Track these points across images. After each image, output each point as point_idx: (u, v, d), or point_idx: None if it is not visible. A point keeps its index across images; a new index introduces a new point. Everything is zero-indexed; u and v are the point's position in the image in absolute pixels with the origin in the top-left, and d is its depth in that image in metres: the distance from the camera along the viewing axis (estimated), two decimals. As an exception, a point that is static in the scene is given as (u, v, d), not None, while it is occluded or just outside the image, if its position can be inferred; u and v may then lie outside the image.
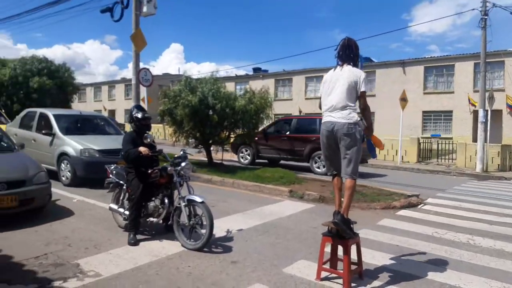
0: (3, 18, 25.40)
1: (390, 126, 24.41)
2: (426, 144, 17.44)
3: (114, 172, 5.40)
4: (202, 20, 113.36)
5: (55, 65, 20.48)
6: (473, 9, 13.84)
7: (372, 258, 4.54)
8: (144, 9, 13.33)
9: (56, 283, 3.59)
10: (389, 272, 4.13)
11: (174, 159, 4.88)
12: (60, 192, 7.69)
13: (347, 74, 3.73)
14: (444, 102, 25.89)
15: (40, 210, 5.95)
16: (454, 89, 25.46)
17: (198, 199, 4.57)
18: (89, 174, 8.05)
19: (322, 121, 3.86)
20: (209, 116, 9.43)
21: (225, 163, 11.65)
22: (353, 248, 3.91)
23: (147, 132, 5.09)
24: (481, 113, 13.82)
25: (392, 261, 4.46)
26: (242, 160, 13.25)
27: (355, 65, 3.84)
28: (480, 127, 13.77)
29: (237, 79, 37.31)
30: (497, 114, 23.75)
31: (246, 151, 13.17)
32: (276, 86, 34.49)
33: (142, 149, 4.75)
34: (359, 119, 3.74)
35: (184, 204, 4.63)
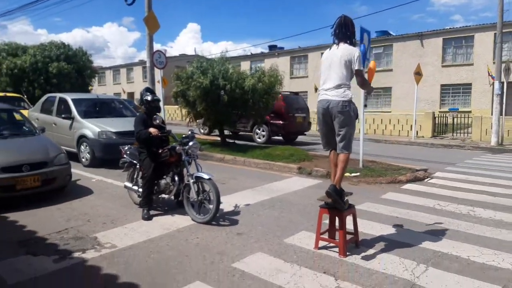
0: (22, 5, 25.95)
1: (407, 101, 24.15)
2: (442, 118, 17.28)
3: (128, 152, 5.73)
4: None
5: (72, 50, 21.00)
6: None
7: (371, 228, 4.78)
8: (156, -9, 13.47)
9: (76, 254, 3.97)
10: (385, 241, 4.36)
11: (182, 138, 5.17)
12: (80, 173, 8.14)
13: (342, 52, 3.86)
14: (463, 75, 25.35)
15: (61, 189, 6.37)
16: (473, 61, 24.86)
17: (206, 176, 4.86)
18: (106, 155, 8.45)
19: (318, 99, 4.03)
20: (220, 96, 9.65)
21: (238, 142, 11.93)
22: (350, 219, 4.16)
23: (157, 114, 5.38)
24: (496, 85, 13.58)
25: (390, 232, 4.68)
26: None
27: (351, 43, 3.95)
28: (495, 99, 13.56)
29: (252, 57, 37.23)
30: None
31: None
32: (292, 64, 34.31)
33: (152, 130, 5.04)
34: (352, 96, 3.89)
35: (192, 181, 4.94)
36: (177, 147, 5.03)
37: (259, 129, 13.48)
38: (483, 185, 7.27)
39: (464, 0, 75.02)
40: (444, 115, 17.76)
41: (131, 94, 46.12)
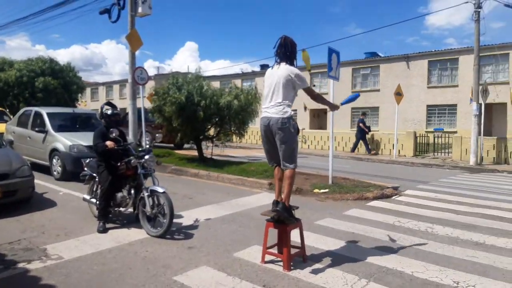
0: (20, 18, 26.16)
1: (394, 120, 24.33)
2: (424, 138, 17.45)
3: (89, 165, 5.74)
4: (215, 18, 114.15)
5: (59, 65, 21.11)
6: (467, 2, 13.78)
7: (324, 244, 4.78)
8: (139, 9, 13.70)
9: (20, 265, 3.94)
10: (334, 256, 4.36)
11: (139, 152, 5.19)
12: (50, 186, 8.12)
13: (281, 72, 3.94)
14: (448, 96, 25.72)
15: (26, 201, 6.36)
16: (458, 83, 25.25)
17: (160, 190, 4.87)
18: (77, 168, 8.33)
19: (261, 116, 4.10)
20: (196, 112, 9.72)
21: (217, 158, 11.95)
22: (297, 233, 4.17)
23: (117, 127, 5.41)
24: (474, 106, 13.79)
25: (341, 247, 4.69)
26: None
27: (291, 63, 4.03)
28: (474, 120, 13.74)
29: (243, 76, 37.56)
30: (501, 107, 23.56)
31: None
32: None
33: (108, 143, 5.07)
34: (292, 113, 3.96)
35: (147, 194, 4.94)
36: (133, 160, 5.05)
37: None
38: (449, 203, 7.32)
39: (457, 23, 76.81)
40: (426, 135, 17.92)
41: (123, 110, 46.21)
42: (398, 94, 15.86)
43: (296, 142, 4.01)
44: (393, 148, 16.22)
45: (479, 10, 13.54)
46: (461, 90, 24.86)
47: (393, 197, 7.73)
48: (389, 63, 28.31)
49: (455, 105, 25.48)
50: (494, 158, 14.53)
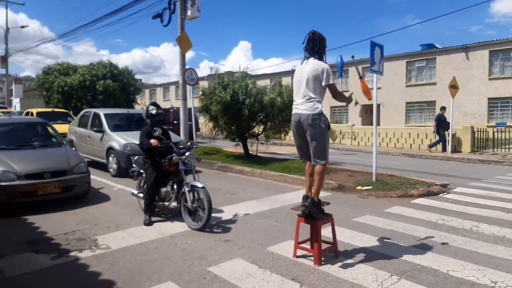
0: (82, 25, 28.24)
1: (453, 115, 23.10)
2: (482, 133, 16.41)
3: (136, 162, 6.15)
4: (268, 16, 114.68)
5: (118, 69, 22.37)
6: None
7: (359, 240, 4.78)
8: (188, 12, 14.28)
9: (72, 253, 4.35)
10: (368, 252, 4.36)
11: (180, 149, 5.48)
12: (106, 182, 8.73)
13: (310, 67, 3.97)
14: (511, 88, 23.99)
15: (83, 196, 6.92)
16: (523, 73, 23.47)
17: (199, 185, 5.12)
18: (130, 165, 8.96)
19: (292, 113, 4.17)
20: (241, 111, 9.96)
21: (262, 155, 12.13)
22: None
23: (161, 126, 5.75)
24: (537, 98, 12.80)
25: (376, 244, 4.66)
26: None
27: (320, 58, 4.04)
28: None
29: (293, 73, 37.51)
30: None
31: None
32: (333, 77, 34.07)
33: (152, 141, 5.40)
34: (323, 109, 3.99)
35: (187, 189, 5.22)
36: (174, 157, 5.34)
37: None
38: (501, 201, 6.93)
39: (526, 9, 71.07)
40: (485, 129, 16.83)
41: (177, 110, 47.91)
42: (453, 87, 15.07)
43: (327, 138, 4.05)
44: (448, 144, 15.46)
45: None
46: (527, 81, 23.09)
47: (440, 195, 7.45)
48: (447, 54, 26.88)
49: (520, 97, 23.71)
50: (562, 153, 13.39)
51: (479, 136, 16.32)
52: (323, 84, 3.94)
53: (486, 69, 24.98)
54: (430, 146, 16.40)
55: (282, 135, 11.48)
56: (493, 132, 16.40)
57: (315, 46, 4.04)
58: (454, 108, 15.45)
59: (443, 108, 16.39)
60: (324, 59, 4.09)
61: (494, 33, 77.38)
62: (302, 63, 4.11)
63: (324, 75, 3.92)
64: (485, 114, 25.14)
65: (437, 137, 16.16)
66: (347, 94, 4.35)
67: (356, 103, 31.11)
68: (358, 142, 20.58)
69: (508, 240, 4.82)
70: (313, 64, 3.98)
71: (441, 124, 15.69)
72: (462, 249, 4.49)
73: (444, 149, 15.73)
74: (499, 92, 24.58)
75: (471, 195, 7.49)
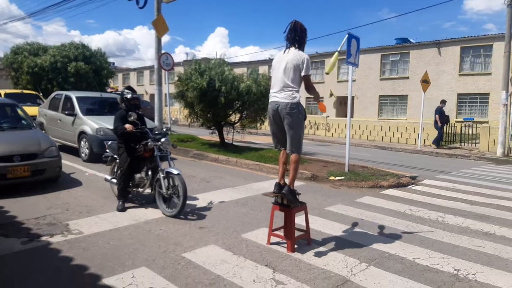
0: (54, 4, 27.18)
1: (424, 109, 23.72)
2: (450, 127, 17.01)
3: (110, 147, 6.05)
4: (245, 3, 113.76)
5: (90, 50, 21.76)
6: (500, -13, 13.21)
7: (331, 229, 4.91)
8: (165, -5, 13.98)
9: (44, 238, 4.28)
10: (339, 240, 4.49)
11: (155, 135, 5.44)
12: (77, 167, 8.56)
13: (291, 57, 4.00)
14: (480, 85, 24.86)
15: (54, 180, 6.77)
16: (491, 71, 24.33)
17: (175, 171, 5.10)
18: (103, 150, 8.76)
19: (270, 100, 4.20)
20: (217, 98, 9.92)
21: (238, 144, 12.16)
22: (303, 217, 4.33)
23: (136, 111, 5.66)
24: (503, 95, 13.34)
25: (347, 232, 4.80)
26: None
27: (300, 47, 4.08)
28: (502, 110, 13.33)
29: (270, 62, 37.50)
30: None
31: None
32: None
33: (127, 126, 5.33)
34: (300, 98, 4.04)
35: (162, 175, 5.20)
36: (149, 143, 5.30)
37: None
38: (466, 194, 7.24)
39: (497, 8, 73.39)
40: (453, 124, 17.45)
41: (152, 95, 47.15)
42: (425, 81, 15.50)
43: (303, 128, 4.12)
44: (418, 138, 15.94)
45: (513, -6, 12.94)
46: (494, 78, 23.95)
47: (409, 186, 7.72)
48: (420, 49, 27.52)
49: (487, 94, 24.62)
50: (524, 149, 14.06)
51: (447, 131, 16.89)
52: (302, 74, 3.97)
53: (457, 65, 25.76)
54: (434, 142, 15.68)
55: (258, 124, 11.53)
56: (461, 127, 17.02)
57: (296, 36, 4.06)
58: (425, 102, 15.92)
59: (443, 102, 15.97)
60: (304, 49, 4.13)
61: (466, 29, 79.67)
62: (284, 52, 4.12)
63: (305, 65, 3.96)
64: (454, 109, 25.96)
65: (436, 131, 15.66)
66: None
67: (331, 94, 31.51)
68: (332, 134, 20.91)
69: (472, 231, 5.06)
70: (294, 54, 4.01)
71: (441, 118, 15.31)
72: (428, 239, 4.68)
73: (437, 143, 15.39)
74: (468, 88, 25.43)
75: (438, 187, 7.79)
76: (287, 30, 4.11)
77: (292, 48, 4.07)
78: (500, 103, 13.67)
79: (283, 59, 4.06)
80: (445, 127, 16.04)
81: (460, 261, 4.01)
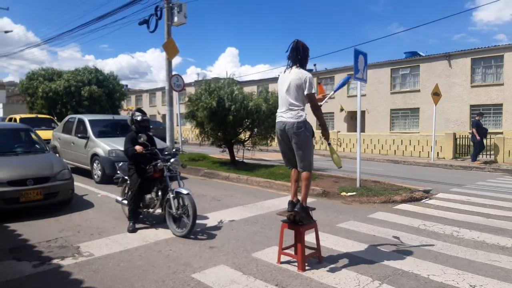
0: (68, 30, 28.09)
1: (436, 121, 23.50)
2: (464, 139, 16.78)
3: (121, 168, 6.12)
4: (255, 23, 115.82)
5: (103, 74, 22.23)
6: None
7: (343, 246, 4.84)
8: (175, 19, 14.33)
9: (55, 261, 4.30)
10: (351, 258, 4.41)
11: (165, 155, 5.48)
12: (90, 189, 8.64)
13: (293, 76, 4.02)
14: (493, 95, 24.55)
15: (66, 203, 6.84)
16: (503, 81, 24.05)
17: (184, 191, 5.12)
18: (115, 172, 8.90)
19: (277, 120, 4.21)
20: (226, 117, 9.99)
21: (248, 161, 12.16)
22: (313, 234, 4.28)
23: (146, 133, 5.74)
24: (517, 105, 13.16)
25: (359, 249, 4.72)
26: None
27: (302, 66, 4.11)
28: (516, 120, 13.12)
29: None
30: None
31: None
32: (319, 85, 34.50)
33: (137, 147, 5.39)
34: (306, 116, 4.04)
35: (172, 196, 5.22)
36: (159, 164, 5.34)
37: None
38: (481, 207, 7.09)
39: (507, 18, 73.06)
40: (467, 136, 17.22)
41: (165, 116, 47.67)
42: (436, 94, 15.40)
43: (312, 145, 4.13)
44: (431, 150, 15.74)
45: (522, 5, 12.89)
46: (506, 88, 23.71)
47: (423, 200, 7.59)
48: (430, 62, 27.40)
49: (501, 105, 24.28)
50: (541, 160, 13.77)
51: (461, 143, 16.66)
52: (305, 92, 3.99)
53: (468, 76, 25.53)
54: (472, 156, 14.95)
55: (269, 141, 11.54)
56: (475, 139, 16.73)
57: (298, 55, 4.08)
58: (437, 115, 15.79)
59: (480, 114, 15.46)
60: (306, 68, 4.15)
61: (476, 41, 79.50)
62: (285, 71, 4.16)
63: (307, 84, 3.97)
64: (467, 121, 25.64)
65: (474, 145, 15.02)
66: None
67: (342, 109, 31.48)
68: (343, 149, 20.79)
69: (488, 245, 4.93)
70: (296, 73, 4.03)
71: (479, 131, 14.67)
72: (442, 254, 4.58)
73: (474, 157, 14.69)
74: (480, 99, 25.13)
75: (453, 201, 7.64)
76: (289, 49, 4.13)
77: (294, 67, 4.09)
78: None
79: (287, 79, 4.07)
80: (458, 139, 15.83)
81: (476, 277, 3.90)
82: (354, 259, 4.36)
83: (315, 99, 4.09)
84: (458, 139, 16.55)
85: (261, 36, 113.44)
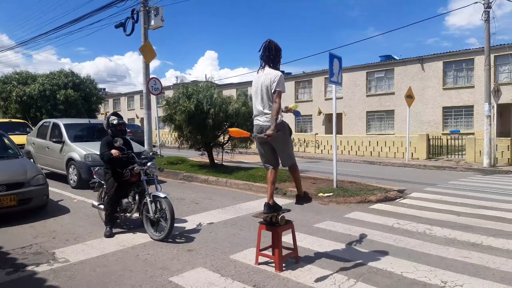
0: (42, 33, 27.38)
1: (410, 123, 24.08)
2: (437, 140, 17.26)
3: (97, 173, 6.05)
4: (234, 26, 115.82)
5: (80, 78, 21.87)
6: (476, 2, 13.68)
7: (319, 246, 4.93)
8: (152, 22, 14.25)
9: (29, 268, 4.22)
10: (327, 257, 4.50)
11: (141, 159, 5.46)
12: (66, 194, 8.50)
13: (265, 77, 4.01)
14: (464, 97, 25.36)
15: (41, 208, 6.71)
16: (474, 84, 24.86)
17: (161, 195, 5.11)
18: (92, 176, 8.77)
19: (254, 123, 4.23)
20: (205, 120, 9.99)
21: (228, 164, 12.18)
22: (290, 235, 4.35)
23: (122, 136, 5.70)
24: (486, 107, 13.65)
25: (335, 248, 4.82)
26: None
27: (275, 66, 4.10)
28: (485, 121, 13.61)
29: (258, 82, 37.83)
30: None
31: None
32: (297, 88, 34.80)
33: (113, 151, 5.35)
34: (282, 117, 4.10)
35: (150, 199, 5.20)
36: (136, 167, 5.31)
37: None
38: (453, 205, 7.32)
39: (478, 23, 75.53)
40: (440, 137, 17.73)
41: (143, 120, 47.10)
42: (409, 96, 15.80)
43: (291, 143, 4.27)
44: (406, 151, 16.13)
45: (489, 10, 13.41)
46: (477, 91, 24.48)
47: (397, 200, 7.78)
48: (404, 65, 28.10)
49: (472, 106, 25.10)
50: (508, 159, 14.30)
51: (434, 143, 17.12)
52: (271, 90, 3.92)
53: (440, 79, 26.29)
54: None
55: (248, 144, 11.59)
56: (447, 140, 17.28)
57: (271, 55, 4.07)
58: (412, 117, 16.20)
59: None
60: (279, 68, 4.14)
61: (449, 44, 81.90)
62: (258, 72, 4.18)
63: (275, 83, 3.89)
64: (440, 122, 26.39)
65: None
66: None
67: (320, 112, 31.85)
68: (322, 150, 21.05)
69: (459, 242, 5.11)
70: (266, 74, 4.01)
71: None
72: (415, 251, 4.72)
73: None
74: (452, 101, 25.91)
75: (426, 200, 7.87)
76: (261, 49, 4.11)
77: (267, 67, 4.09)
78: (484, 114, 13.94)
79: (259, 82, 4.06)
80: (431, 140, 16.28)
81: (448, 273, 4.04)
82: (330, 259, 4.45)
83: (279, 98, 3.90)
84: (431, 140, 17.00)
85: (240, 40, 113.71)
